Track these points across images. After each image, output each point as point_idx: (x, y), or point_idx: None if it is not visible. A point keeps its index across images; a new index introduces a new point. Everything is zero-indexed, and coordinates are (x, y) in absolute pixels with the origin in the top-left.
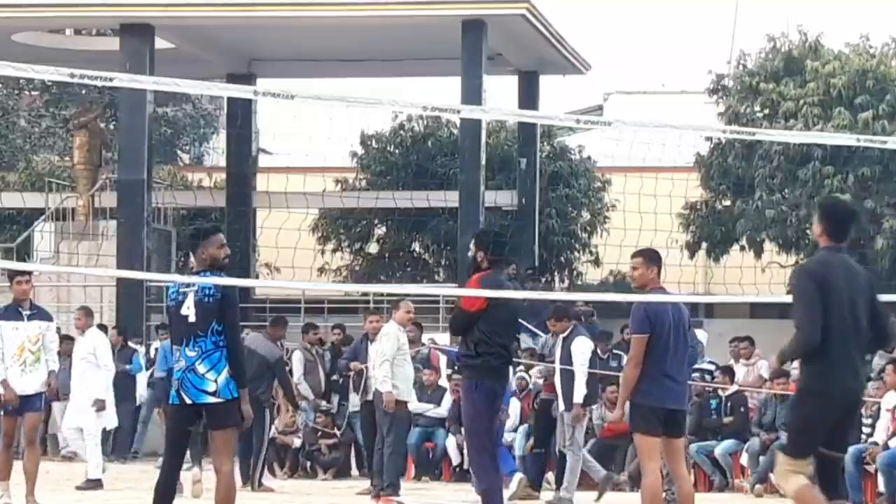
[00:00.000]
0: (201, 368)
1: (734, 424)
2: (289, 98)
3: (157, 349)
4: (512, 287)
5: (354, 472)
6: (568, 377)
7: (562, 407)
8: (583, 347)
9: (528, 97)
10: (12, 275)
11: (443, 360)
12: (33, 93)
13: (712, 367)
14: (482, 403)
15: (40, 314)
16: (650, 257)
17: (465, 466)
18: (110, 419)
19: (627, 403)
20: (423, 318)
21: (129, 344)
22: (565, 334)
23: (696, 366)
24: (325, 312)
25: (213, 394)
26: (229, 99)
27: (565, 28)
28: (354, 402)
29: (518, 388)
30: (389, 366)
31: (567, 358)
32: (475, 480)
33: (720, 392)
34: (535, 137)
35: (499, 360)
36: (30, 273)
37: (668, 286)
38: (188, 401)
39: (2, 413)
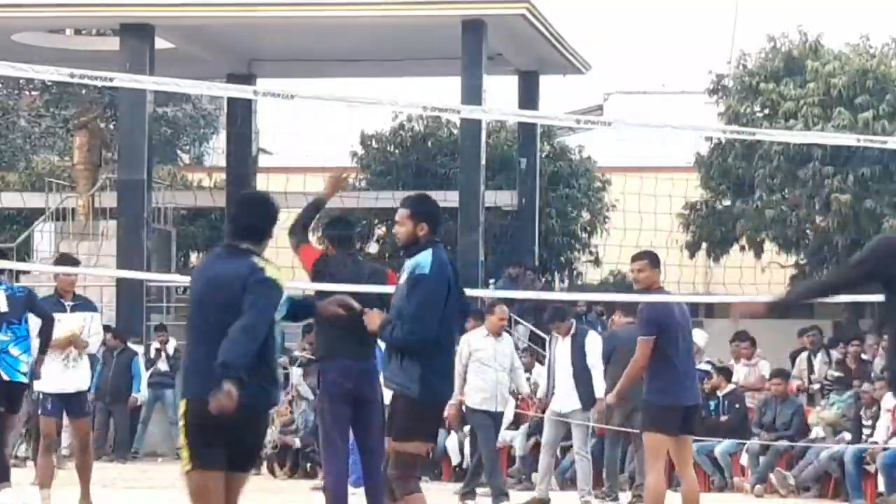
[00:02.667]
0: (15, 351)
1: (731, 423)
2: (289, 98)
3: (155, 349)
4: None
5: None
6: (585, 376)
7: (574, 406)
8: (596, 343)
9: (528, 97)
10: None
11: None
12: (33, 93)
13: (709, 368)
14: (325, 394)
15: (84, 305)
16: (653, 259)
17: (465, 466)
18: None
19: (628, 400)
20: None
21: (129, 345)
22: (572, 333)
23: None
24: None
25: (24, 374)
26: (229, 99)
27: (565, 28)
28: None
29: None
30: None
31: (581, 356)
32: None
33: (718, 392)
34: (535, 137)
35: (340, 348)
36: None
37: (668, 286)
38: (6, 377)
39: (40, 414)
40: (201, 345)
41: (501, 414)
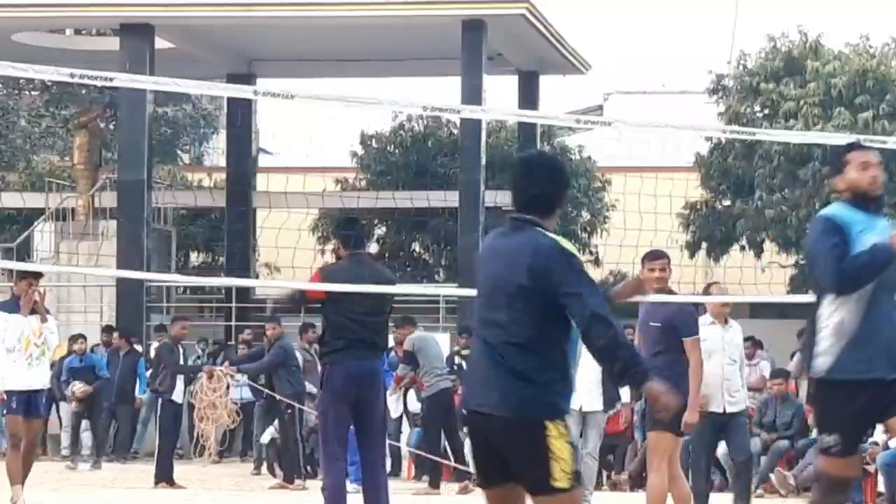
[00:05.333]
0: None
1: None
2: (289, 98)
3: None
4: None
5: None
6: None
7: (596, 407)
8: None
9: (528, 97)
10: (22, 275)
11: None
12: (33, 93)
13: None
14: (327, 395)
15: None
16: (644, 259)
17: (465, 465)
18: None
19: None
20: (423, 318)
21: (136, 347)
22: None
23: None
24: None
25: None
26: (229, 99)
27: (565, 28)
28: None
29: None
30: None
31: None
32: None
33: None
34: (535, 137)
35: (345, 351)
36: (40, 275)
37: (669, 286)
38: None
39: (6, 413)
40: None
41: (731, 415)
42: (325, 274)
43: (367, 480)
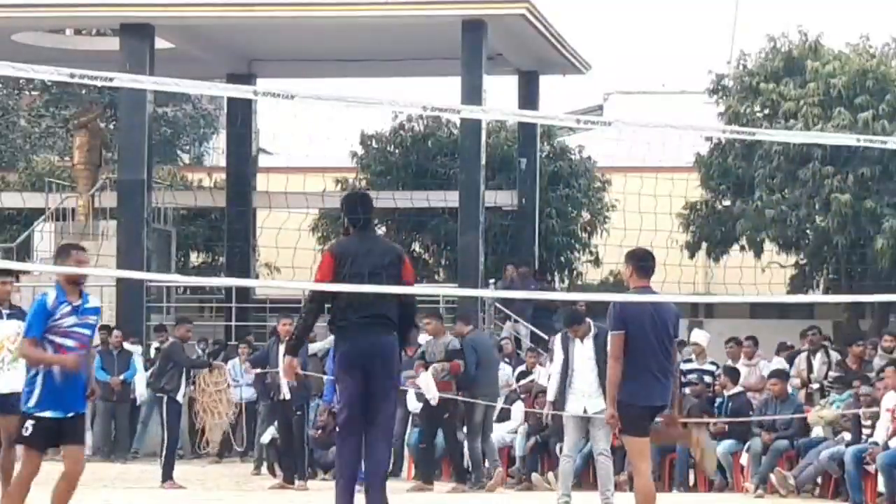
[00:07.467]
0: None
1: (732, 427)
2: (289, 98)
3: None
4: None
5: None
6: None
7: (601, 406)
8: None
9: (528, 97)
10: None
11: None
12: (33, 93)
13: (713, 368)
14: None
15: (20, 314)
16: (626, 257)
17: (466, 465)
18: None
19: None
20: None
21: (125, 346)
22: (593, 333)
23: (697, 367)
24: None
25: None
26: (229, 99)
27: (565, 28)
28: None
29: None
30: None
31: (606, 357)
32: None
33: (725, 391)
34: (535, 137)
35: (360, 328)
36: (13, 273)
37: (669, 286)
38: None
39: None
40: None
41: None
42: (335, 248)
43: (367, 456)
